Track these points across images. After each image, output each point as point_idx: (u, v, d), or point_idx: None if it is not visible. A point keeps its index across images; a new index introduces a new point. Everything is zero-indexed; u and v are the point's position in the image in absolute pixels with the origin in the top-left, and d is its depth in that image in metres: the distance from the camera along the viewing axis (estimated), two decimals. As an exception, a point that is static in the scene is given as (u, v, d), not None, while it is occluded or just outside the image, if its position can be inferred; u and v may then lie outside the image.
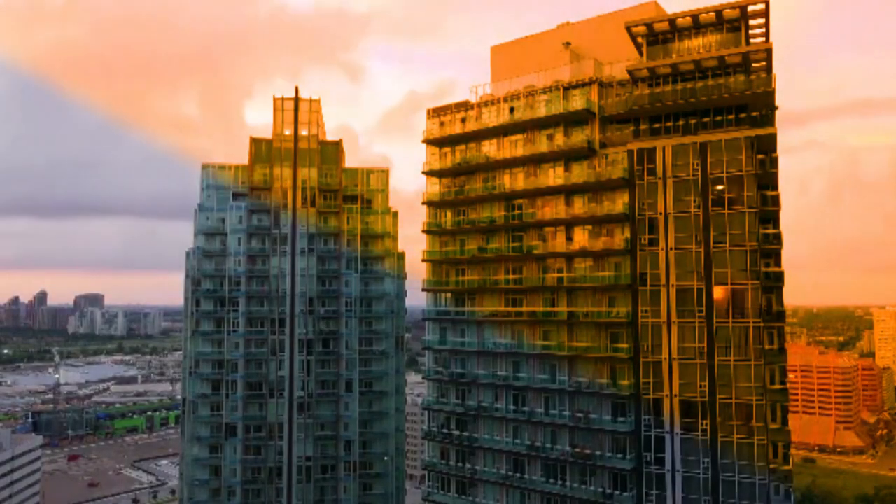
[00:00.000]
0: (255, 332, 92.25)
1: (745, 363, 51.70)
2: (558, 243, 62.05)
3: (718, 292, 53.14)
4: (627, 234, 57.44)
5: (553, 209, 62.29)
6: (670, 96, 56.03)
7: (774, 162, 56.43)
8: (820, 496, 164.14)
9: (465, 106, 68.20)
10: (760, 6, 53.23)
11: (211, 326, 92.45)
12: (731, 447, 51.62)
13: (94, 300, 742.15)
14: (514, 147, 65.00)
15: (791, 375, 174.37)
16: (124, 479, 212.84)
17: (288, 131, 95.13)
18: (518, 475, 61.85)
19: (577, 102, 60.63)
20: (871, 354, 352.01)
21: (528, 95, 63.87)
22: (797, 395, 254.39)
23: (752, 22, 55.25)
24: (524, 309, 63.33)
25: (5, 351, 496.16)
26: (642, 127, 58.06)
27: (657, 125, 57.39)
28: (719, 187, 53.86)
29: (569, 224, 61.69)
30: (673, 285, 54.91)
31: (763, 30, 55.88)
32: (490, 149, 66.77)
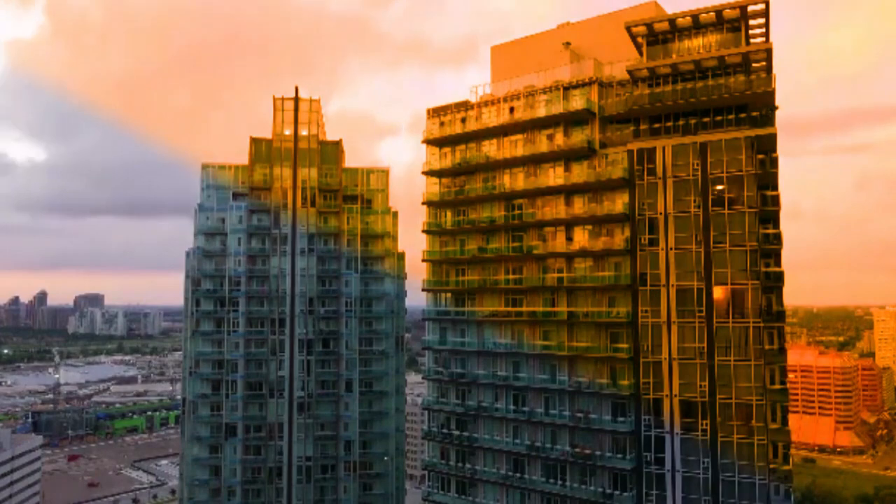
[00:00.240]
0: (255, 332, 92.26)
1: (745, 363, 51.69)
2: (558, 243, 62.05)
3: (718, 292, 53.13)
4: (627, 234, 57.44)
5: (553, 209, 62.28)
6: (670, 96, 56.03)
7: (774, 162, 56.46)
8: (820, 496, 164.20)
9: (465, 106, 68.20)
10: (760, 6, 53.22)
11: (211, 326, 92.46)
12: (731, 447, 51.61)
13: (94, 300, 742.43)
14: (514, 147, 64.99)
15: (791, 375, 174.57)
16: (124, 479, 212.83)
17: (288, 131, 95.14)
18: (518, 475, 61.85)
19: (577, 102, 60.63)
20: (871, 354, 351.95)
21: (528, 95, 63.86)
22: (797, 395, 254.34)
23: (752, 22, 55.23)
24: (524, 309, 63.32)
25: (5, 351, 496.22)
26: (642, 127, 58.05)
27: (657, 125, 57.38)
28: (719, 187, 53.85)
29: (569, 224, 61.68)
30: (673, 285, 54.91)
31: (763, 30, 55.88)
32: (490, 149, 66.77)
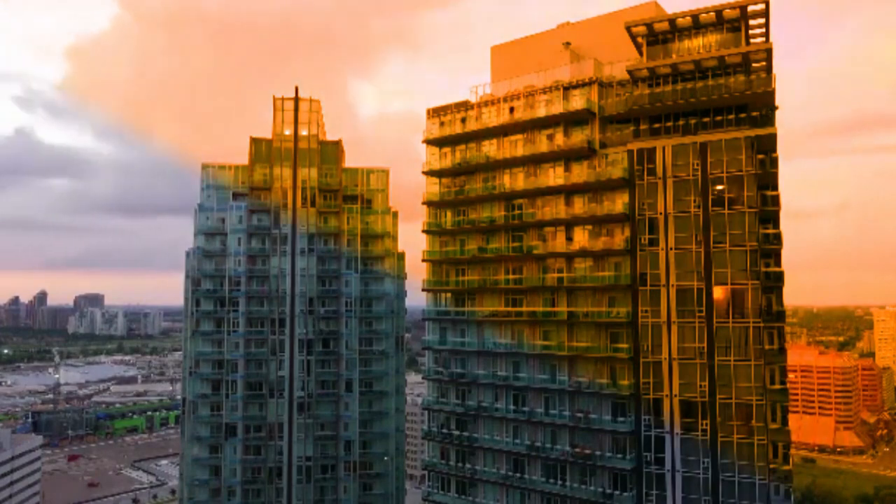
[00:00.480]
0: (255, 332, 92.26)
1: (745, 363, 51.69)
2: (558, 243, 62.04)
3: (718, 292, 53.13)
4: (627, 234, 57.43)
5: (553, 209, 62.27)
6: (670, 96, 56.02)
7: (774, 162, 56.45)
8: (820, 496, 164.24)
9: (465, 106, 68.19)
10: (760, 6, 53.21)
11: (211, 326, 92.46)
12: (731, 447, 51.61)
13: (94, 300, 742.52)
14: (514, 147, 64.99)
15: (791, 375, 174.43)
16: (124, 479, 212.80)
17: (288, 131, 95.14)
18: (518, 475, 61.85)
19: (577, 102, 60.62)
20: (871, 354, 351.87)
21: (528, 95, 63.85)
22: (797, 395, 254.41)
23: (752, 22, 55.22)
24: (524, 309, 63.31)
25: (5, 351, 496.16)
26: (642, 127, 58.05)
27: (657, 125, 57.38)
28: (719, 187, 53.85)
29: (569, 224, 61.67)
30: (673, 285, 54.90)
31: (763, 30, 55.88)
32: (490, 149, 66.76)
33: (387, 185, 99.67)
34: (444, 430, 67.24)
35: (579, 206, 61.29)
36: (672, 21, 56.44)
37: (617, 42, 61.03)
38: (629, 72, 57.57)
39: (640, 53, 58.94)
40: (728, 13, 54.46)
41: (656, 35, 57.78)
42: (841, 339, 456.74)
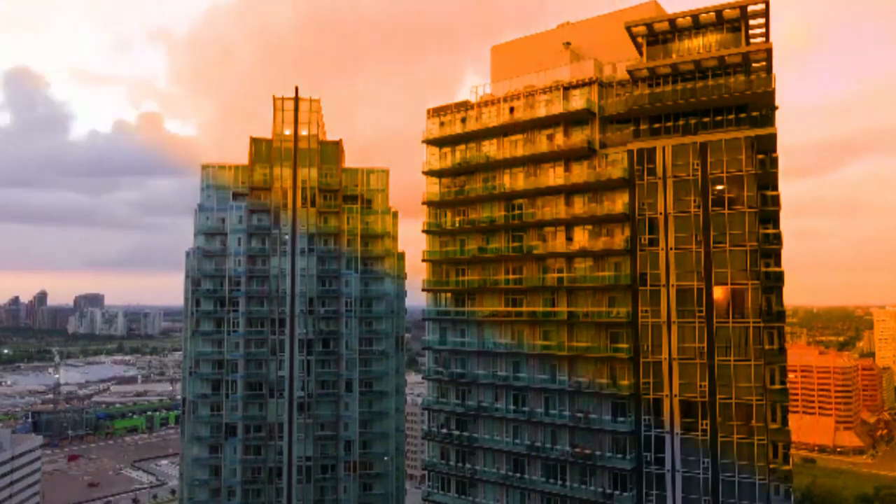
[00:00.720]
0: (255, 332, 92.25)
1: (745, 363, 51.68)
2: (558, 243, 62.04)
3: (718, 292, 53.13)
4: (627, 234, 57.43)
5: (553, 209, 62.26)
6: (670, 96, 56.02)
7: (774, 162, 56.47)
8: (820, 496, 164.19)
9: (465, 106, 68.19)
10: (760, 6, 53.21)
11: (211, 326, 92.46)
12: (731, 447, 51.61)
13: (94, 300, 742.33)
14: (514, 147, 64.98)
15: (791, 375, 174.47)
16: (124, 479, 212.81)
17: (288, 131, 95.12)
18: (518, 475, 61.84)
19: (577, 102, 60.62)
20: (871, 354, 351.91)
21: (528, 95, 63.84)
22: (797, 395, 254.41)
23: (752, 22, 55.22)
24: (524, 309, 63.31)
25: (5, 351, 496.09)
26: (642, 127, 58.04)
27: (657, 125, 57.37)
28: (719, 187, 53.84)
29: (569, 224, 61.67)
30: (673, 285, 54.90)
31: (763, 30, 55.87)
32: (490, 149, 66.75)
33: (387, 185, 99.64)
34: (444, 430, 67.25)
35: (579, 206, 61.28)
36: (672, 21, 56.45)
37: (617, 42, 61.02)
38: (629, 72, 57.57)
39: (640, 53, 58.94)
40: (728, 13, 54.46)
41: (656, 35, 57.78)
42: (841, 339, 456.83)
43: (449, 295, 69.54)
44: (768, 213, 55.73)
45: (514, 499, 62.15)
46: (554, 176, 62.36)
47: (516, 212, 64.44)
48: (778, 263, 56.19)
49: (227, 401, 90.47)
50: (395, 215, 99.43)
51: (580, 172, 60.71)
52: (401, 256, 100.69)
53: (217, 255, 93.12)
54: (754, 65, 54.51)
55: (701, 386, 53.01)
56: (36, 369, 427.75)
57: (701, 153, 54.74)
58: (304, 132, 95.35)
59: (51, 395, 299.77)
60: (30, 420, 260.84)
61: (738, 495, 51.07)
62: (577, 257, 60.93)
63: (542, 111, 62.55)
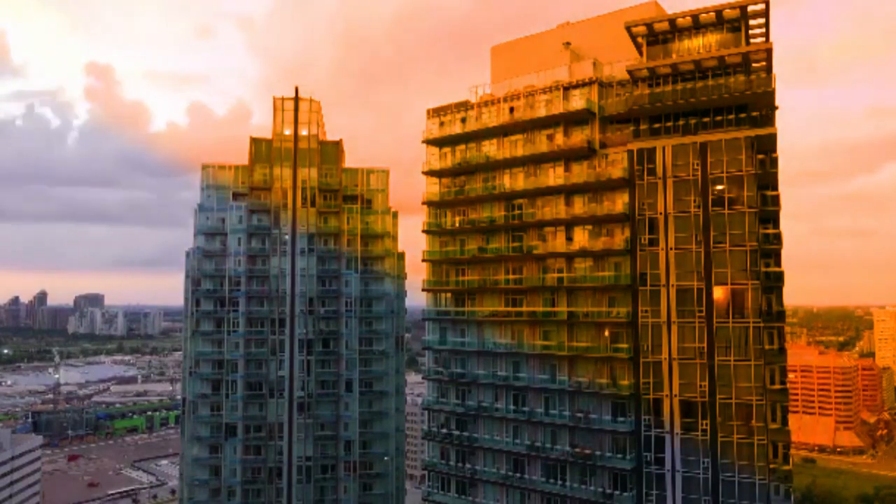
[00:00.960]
0: (255, 332, 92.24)
1: (745, 363, 51.68)
2: (558, 243, 62.04)
3: (718, 292, 53.13)
4: (627, 234, 57.43)
5: (553, 209, 62.27)
6: (670, 96, 56.02)
7: (774, 162, 56.49)
8: (820, 496, 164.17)
9: (465, 106, 68.18)
10: (760, 6, 53.21)
11: (211, 326, 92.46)
12: (731, 447, 51.61)
13: (94, 300, 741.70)
14: (514, 147, 64.97)
15: (791, 375, 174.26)
16: (124, 479, 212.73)
17: (288, 131, 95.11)
18: (518, 475, 61.84)
19: (577, 102, 60.61)
20: (871, 354, 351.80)
21: (528, 95, 63.84)
22: (797, 395, 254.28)
23: (752, 22, 55.22)
24: (524, 309, 63.31)
25: (5, 351, 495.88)
26: (642, 127, 58.04)
27: (657, 125, 57.36)
28: (719, 187, 53.85)
29: (569, 224, 61.66)
30: (673, 285, 54.90)
31: (763, 30, 55.87)
32: (490, 149, 66.75)
33: (387, 185, 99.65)
34: (444, 430, 67.24)
35: (579, 206, 61.28)
36: (672, 21, 56.45)
37: (617, 42, 61.01)
38: (629, 72, 57.57)
39: (640, 53, 58.94)
40: (728, 13, 54.46)
41: (656, 35, 57.78)
42: (841, 339, 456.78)
43: (449, 295, 69.54)
44: (768, 213, 55.73)
45: (514, 499, 62.15)
46: (554, 176, 62.36)
47: (516, 212, 64.44)
48: (778, 263, 56.20)
49: (227, 401, 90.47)
50: (395, 215, 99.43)
51: (580, 172, 60.71)
52: (401, 256, 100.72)
53: (217, 255, 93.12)
54: (754, 65, 54.50)
55: (701, 386, 53.01)
56: (36, 369, 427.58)
57: (701, 153, 54.74)
58: (304, 132, 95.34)
59: (51, 395, 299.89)
60: (30, 420, 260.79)
61: (738, 495, 51.07)
62: (577, 257, 60.93)
63: (542, 111, 62.54)
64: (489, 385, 64.42)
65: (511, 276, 64.55)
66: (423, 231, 70.86)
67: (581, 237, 61.06)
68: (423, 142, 70.60)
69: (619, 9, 64.60)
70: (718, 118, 54.78)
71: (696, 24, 56.01)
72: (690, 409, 53.47)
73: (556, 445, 59.95)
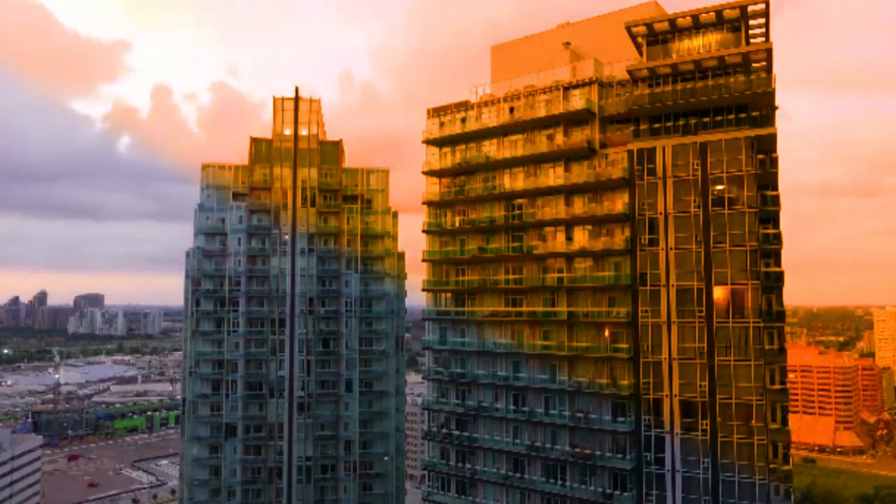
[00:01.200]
0: (255, 332, 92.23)
1: (745, 363, 51.68)
2: (558, 243, 62.04)
3: (718, 292, 53.13)
4: (627, 234, 57.43)
5: (553, 209, 62.27)
6: (670, 96, 56.02)
7: (774, 162, 56.48)
8: (820, 496, 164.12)
9: (465, 106, 68.18)
10: (760, 6, 53.22)
11: (211, 326, 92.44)
12: (731, 447, 51.61)
13: (94, 300, 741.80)
14: (514, 147, 64.97)
15: (791, 375, 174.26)
16: (124, 479, 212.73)
17: (288, 131, 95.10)
18: (518, 475, 61.84)
19: (577, 102, 60.61)
20: (871, 354, 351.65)
21: (528, 95, 63.84)
22: (797, 395, 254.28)
23: (752, 22, 55.22)
24: (524, 309, 63.31)
25: (5, 351, 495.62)
26: (642, 127, 58.04)
27: (657, 125, 57.36)
28: (719, 187, 53.85)
29: (569, 224, 61.66)
30: (673, 285, 54.90)
31: (763, 30, 55.87)
32: (490, 149, 66.75)
33: (387, 185, 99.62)
34: (444, 430, 67.24)
35: (579, 206, 61.28)
36: (672, 21, 56.44)
37: (617, 42, 61.02)
38: (629, 72, 57.57)
39: (640, 53, 58.93)
40: (728, 13, 54.46)
41: (656, 35, 57.77)
42: (841, 339, 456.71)
43: (449, 295, 69.53)
44: (768, 213, 55.73)
45: (514, 499, 62.15)
46: (554, 176, 62.36)
47: (516, 212, 64.44)
48: (778, 263, 56.19)
49: (227, 401, 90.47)
50: (394, 215, 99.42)
51: (580, 172, 60.71)
52: (401, 256, 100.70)
53: (217, 255, 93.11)
54: (754, 65, 54.52)
55: (701, 386, 53.01)
56: (36, 369, 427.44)
57: (701, 153, 54.74)
58: (304, 132, 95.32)
59: (51, 395, 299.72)
60: (30, 420, 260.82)
61: (738, 495, 51.07)
62: (577, 257, 60.93)
63: (542, 111, 62.54)
64: (489, 385, 64.41)
65: (511, 276, 64.55)
66: (423, 231, 70.87)
67: (581, 237, 61.06)
68: (423, 142, 70.59)
69: (619, 9, 64.66)
70: (718, 118, 54.78)
71: (696, 24, 56.02)
72: (690, 409, 53.47)
73: (556, 445, 59.95)
